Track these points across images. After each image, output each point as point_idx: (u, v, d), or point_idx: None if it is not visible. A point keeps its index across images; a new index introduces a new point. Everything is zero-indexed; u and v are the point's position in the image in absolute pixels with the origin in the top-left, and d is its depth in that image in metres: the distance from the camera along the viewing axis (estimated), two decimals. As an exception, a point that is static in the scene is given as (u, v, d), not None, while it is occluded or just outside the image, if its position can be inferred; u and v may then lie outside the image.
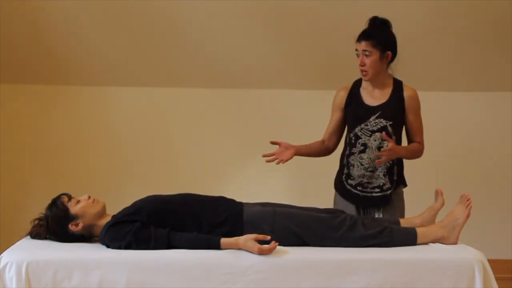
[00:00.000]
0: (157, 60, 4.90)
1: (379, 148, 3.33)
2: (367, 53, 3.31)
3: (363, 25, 3.39)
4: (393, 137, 3.36)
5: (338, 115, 3.53)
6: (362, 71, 3.37)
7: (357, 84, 3.49)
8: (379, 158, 3.29)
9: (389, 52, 3.35)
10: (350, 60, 3.57)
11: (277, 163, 3.39)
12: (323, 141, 3.58)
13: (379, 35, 3.33)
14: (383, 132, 3.29)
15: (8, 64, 4.83)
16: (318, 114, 3.71)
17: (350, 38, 3.39)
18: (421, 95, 3.49)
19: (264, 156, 3.39)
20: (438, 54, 4.87)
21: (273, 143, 3.44)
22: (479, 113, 5.13)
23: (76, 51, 4.81)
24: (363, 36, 3.33)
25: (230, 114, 5.11)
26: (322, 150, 3.59)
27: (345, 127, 3.56)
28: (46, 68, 4.89)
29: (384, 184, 3.39)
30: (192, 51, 4.84)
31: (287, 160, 3.40)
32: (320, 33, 4.73)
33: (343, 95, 3.50)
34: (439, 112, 5.04)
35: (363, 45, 3.32)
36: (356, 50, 3.36)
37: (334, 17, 4.61)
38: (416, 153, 3.45)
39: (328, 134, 3.57)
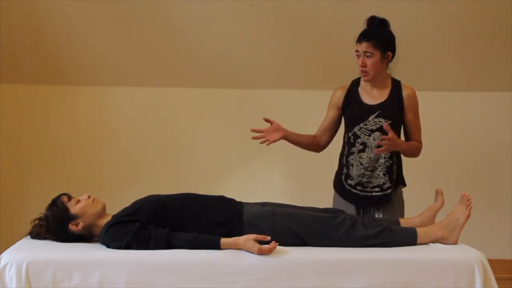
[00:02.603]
0: (157, 60, 4.90)
1: (378, 147, 3.32)
2: (368, 54, 3.29)
3: (363, 25, 3.38)
4: (393, 136, 3.36)
5: (333, 113, 3.52)
6: (362, 71, 3.35)
7: (355, 84, 3.48)
8: (379, 156, 3.29)
9: (390, 53, 3.34)
10: (350, 60, 3.56)
11: (261, 142, 3.35)
12: (315, 136, 3.56)
13: (380, 36, 3.31)
14: (386, 123, 3.27)
15: (8, 64, 4.83)
16: (318, 114, 3.70)
17: (350, 38, 3.38)
18: (421, 95, 3.48)
19: (253, 130, 3.35)
20: (438, 54, 4.87)
21: (266, 120, 3.41)
22: (479, 113, 5.12)
23: (75, 51, 4.82)
24: (364, 36, 3.31)
25: (230, 114, 5.11)
26: (312, 144, 3.55)
27: (338, 126, 3.55)
28: (46, 68, 4.89)
29: (384, 184, 3.38)
30: (192, 51, 4.84)
31: (273, 141, 3.37)
32: (320, 33, 4.73)
33: (340, 95, 3.48)
34: (439, 112, 5.05)
35: (364, 46, 3.30)
36: (357, 51, 3.33)
37: (334, 17, 4.61)
38: (415, 151, 3.43)
39: (321, 130, 3.55)
